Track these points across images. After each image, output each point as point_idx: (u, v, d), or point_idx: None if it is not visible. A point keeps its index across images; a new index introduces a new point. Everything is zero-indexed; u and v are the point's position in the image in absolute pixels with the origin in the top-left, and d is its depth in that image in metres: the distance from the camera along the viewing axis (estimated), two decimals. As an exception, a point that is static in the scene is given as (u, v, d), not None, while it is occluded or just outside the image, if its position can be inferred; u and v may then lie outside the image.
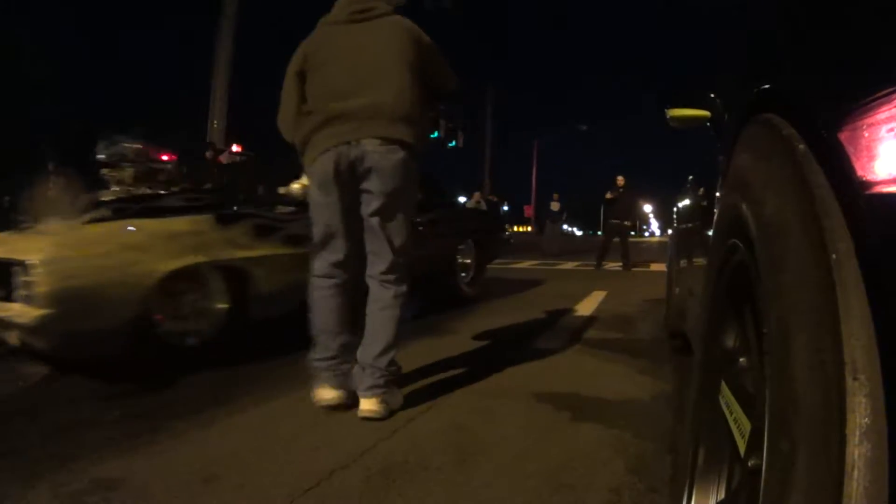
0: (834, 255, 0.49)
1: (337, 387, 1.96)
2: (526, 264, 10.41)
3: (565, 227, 12.31)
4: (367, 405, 1.86)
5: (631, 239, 10.23)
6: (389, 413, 1.89)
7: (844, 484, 0.42)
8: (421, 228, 4.01)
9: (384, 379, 1.89)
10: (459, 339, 3.31)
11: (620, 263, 9.25)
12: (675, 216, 3.46)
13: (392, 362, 1.95)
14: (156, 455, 1.57)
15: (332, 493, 1.38)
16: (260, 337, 3.25)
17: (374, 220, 1.97)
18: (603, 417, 1.92)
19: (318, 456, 1.58)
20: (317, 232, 2.03)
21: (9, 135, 14.02)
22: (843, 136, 0.53)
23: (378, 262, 2.01)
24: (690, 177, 2.80)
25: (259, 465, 1.52)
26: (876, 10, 0.57)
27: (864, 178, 0.50)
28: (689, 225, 2.49)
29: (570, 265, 10.08)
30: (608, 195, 9.51)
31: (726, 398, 0.82)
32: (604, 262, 9.30)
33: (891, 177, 0.49)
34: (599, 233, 32.08)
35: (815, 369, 0.47)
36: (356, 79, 1.95)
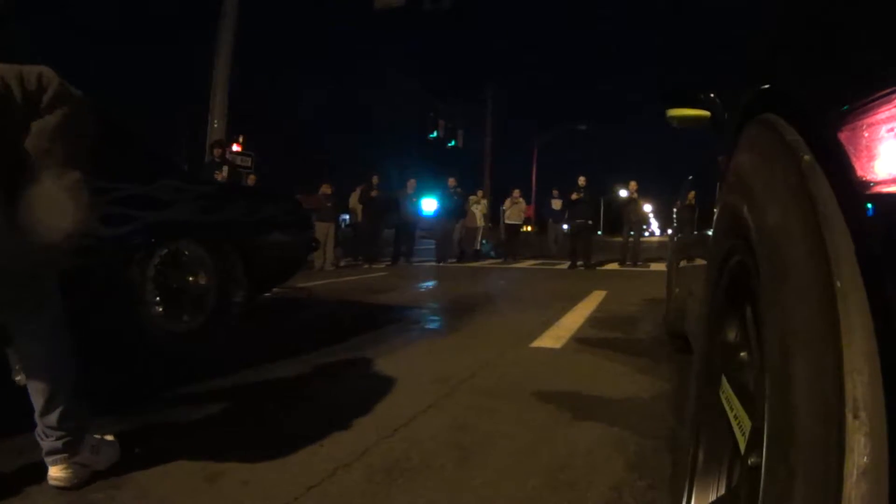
0: (838, 284, 0.47)
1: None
2: (526, 264, 10.41)
3: (566, 227, 12.00)
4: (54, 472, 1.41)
5: (631, 239, 10.25)
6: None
7: None
8: None
9: (62, 441, 1.42)
10: (459, 338, 3.32)
11: (581, 263, 9.31)
12: (674, 216, 3.47)
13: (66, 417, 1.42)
14: (160, 453, 1.57)
15: (334, 491, 1.38)
16: (262, 337, 3.25)
17: None
18: (603, 416, 1.93)
19: (321, 454, 1.59)
20: None
21: None
22: (843, 136, 0.53)
23: None
24: (690, 176, 2.81)
25: (262, 463, 1.52)
26: (875, 9, 0.57)
27: (864, 179, 0.50)
28: (689, 225, 2.49)
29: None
30: (573, 196, 9.53)
31: (727, 394, 0.82)
32: (578, 262, 9.33)
33: (891, 177, 0.49)
34: (600, 232, 31.92)
35: (815, 401, 0.46)
36: None
